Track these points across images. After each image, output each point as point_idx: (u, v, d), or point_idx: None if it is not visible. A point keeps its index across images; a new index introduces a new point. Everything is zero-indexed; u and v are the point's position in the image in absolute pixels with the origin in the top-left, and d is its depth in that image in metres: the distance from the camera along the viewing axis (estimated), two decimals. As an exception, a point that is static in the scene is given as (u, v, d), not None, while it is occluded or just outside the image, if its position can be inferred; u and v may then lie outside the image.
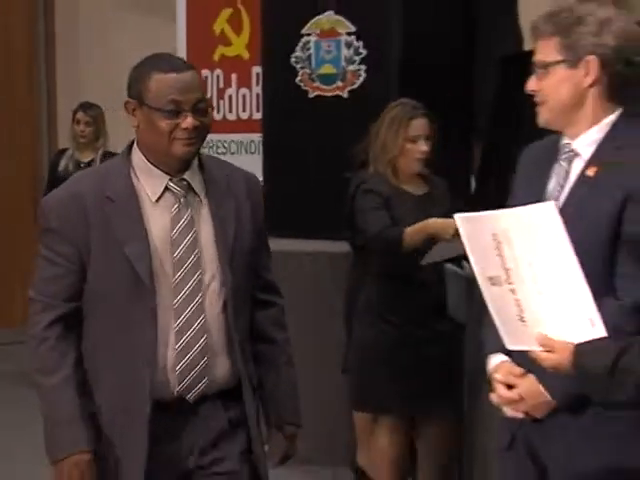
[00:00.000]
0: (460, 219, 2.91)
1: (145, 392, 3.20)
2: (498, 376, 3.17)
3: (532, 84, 3.20)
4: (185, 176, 3.25)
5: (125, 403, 3.24)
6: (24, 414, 6.16)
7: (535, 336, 2.86)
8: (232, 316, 3.29)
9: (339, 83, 6.70)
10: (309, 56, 6.79)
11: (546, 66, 3.14)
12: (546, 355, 2.85)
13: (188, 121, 3.13)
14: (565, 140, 3.22)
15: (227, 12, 8.46)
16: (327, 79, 6.74)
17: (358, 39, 6.64)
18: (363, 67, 6.62)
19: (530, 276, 2.81)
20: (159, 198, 3.24)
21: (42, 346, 3.21)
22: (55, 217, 3.21)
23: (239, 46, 8.27)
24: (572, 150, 3.19)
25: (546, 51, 3.14)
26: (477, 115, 6.36)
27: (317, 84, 6.78)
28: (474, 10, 6.61)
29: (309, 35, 6.81)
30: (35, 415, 3.34)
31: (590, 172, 3.10)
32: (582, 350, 2.78)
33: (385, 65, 6.59)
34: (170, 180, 3.23)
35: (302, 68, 6.82)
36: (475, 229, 2.89)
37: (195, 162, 3.29)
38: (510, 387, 3.15)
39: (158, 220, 3.22)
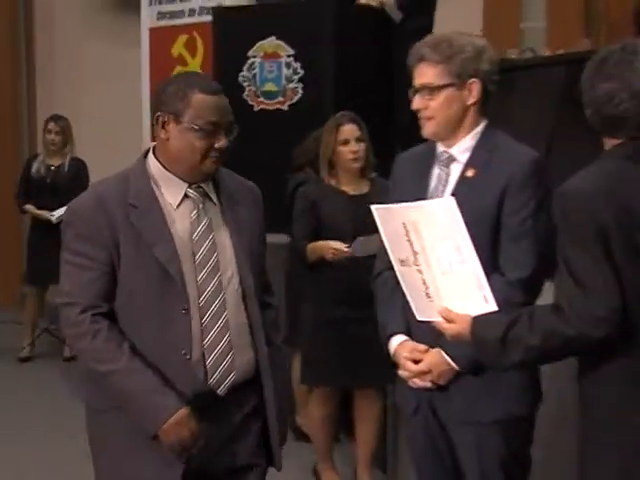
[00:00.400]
0: (376, 210, 3.00)
1: (180, 388, 3.05)
2: (405, 354, 3.31)
3: (419, 103, 3.28)
4: (201, 184, 3.16)
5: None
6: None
7: (438, 309, 2.96)
8: (251, 314, 3.21)
9: (280, 98, 6.72)
10: (254, 75, 6.79)
11: (436, 89, 3.22)
12: (448, 325, 2.94)
13: (222, 142, 3.06)
14: (441, 148, 3.30)
15: (183, 38, 8.58)
16: (270, 95, 6.76)
17: (296, 60, 6.66)
18: (301, 85, 6.66)
19: (433, 259, 2.89)
20: (179, 204, 3.11)
21: (97, 339, 3.01)
22: (84, 223, 3.05)
23: (194, 66, 8.33)
24: (450, 156, 3.28)
25: (434, 76, 3.22)
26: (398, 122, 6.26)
27: (261, 99, 6.81)
28: (394, 36, 6.70)
29: (254, 57, 6.81)
30: None
31: (469, 173, 3.23)
32: (478, 321, 2.86)
33: (319, 83, 6.62)
34: (189, 187, 3.12)
35: (248, 86, 6.84)
36: (388, 219, 2.97)
37: None
38: (417, 362, 3.28)
39: (179, 224, 3.10)
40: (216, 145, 3.05)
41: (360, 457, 5.48)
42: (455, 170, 3.28)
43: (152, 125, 3.19)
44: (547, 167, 3.33)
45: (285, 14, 6.92)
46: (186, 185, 3.12)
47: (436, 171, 3.32)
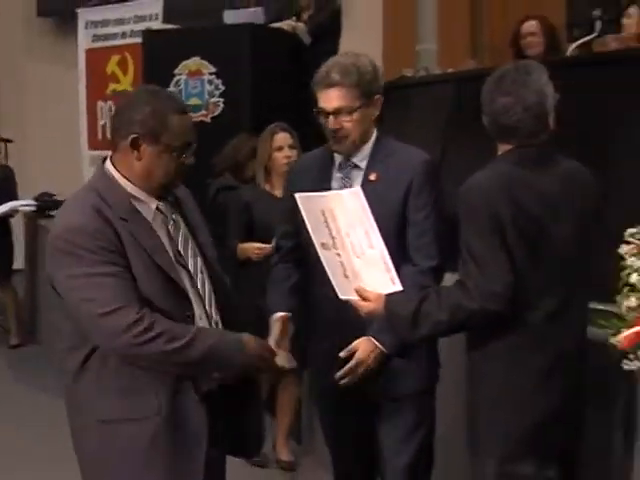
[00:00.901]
0: (299, 198, 2.99)
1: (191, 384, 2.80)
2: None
3: (335, 124, 3.16)
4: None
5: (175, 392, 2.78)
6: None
7: (354, 288, 2.97)
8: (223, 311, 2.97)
9: (203, 112, 6.70)
10: (180, 91, 6.74)
11: (352, 110, 3.14)
12: (363, 303, 2.95)
13: (191, 159, 2.80)
14: (340, 156, 3.24)
15: (116, 58, 8.51)
16: (194, 109, 6.63)
17: (218, 78, 6.68)
18: (222, 99, 6.67)
19: (348, 243, 2.91)
20: (153, 218, 2.81)
21: (161, 324, 2.66)
22: (93, 236, 2.64)
23: (126, 83, 8.25)
24: (352, 164, 3.23)
25: (349, 99, 3.14)
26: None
27: None
28: (306, 57, 6.76)
29: (180, 75, 6.80)
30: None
31: (372, 177, 3.18)
32: (391, 299, 2.91)
33: (238, 97, 6.65)
34: (158, 201, 2.83)
35: None
36: (310, 206, 2.96)
37: None
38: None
39: (162, 237, 2.81)
40: (187, 162, 2.79)
41: (278, 431, 5.46)
42: (357, 175, 3.24)
43: (114, 142, 2.81)
44: (438, 168, 3.39)
45: (207, 36, 6.97)
46: (155, 201, 2.82)
47: (337, 176, 3.27)
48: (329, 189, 3.20)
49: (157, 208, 2.82)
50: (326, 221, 2.91)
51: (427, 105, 5.93)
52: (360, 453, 3.53)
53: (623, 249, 2.95)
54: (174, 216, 2.89)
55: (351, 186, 3.18)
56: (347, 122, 3.16)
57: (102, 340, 2.68)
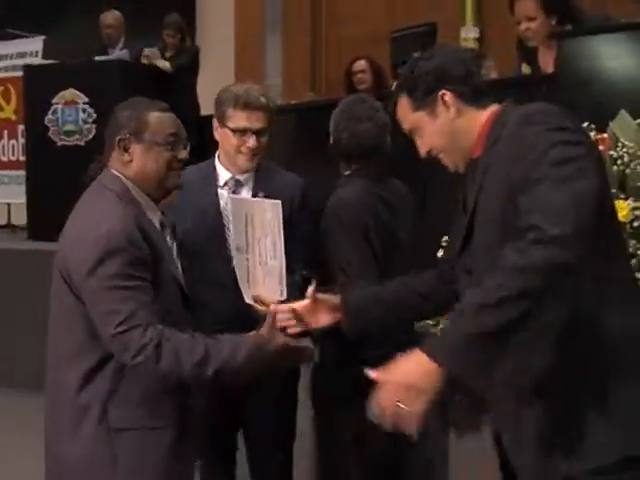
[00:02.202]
0: (230, 199, 2.85)
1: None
2: None
3: (257, 142, 2.95)
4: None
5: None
6: None
7: (252, 294, 2.75)
8: None
9: (78, 136, 6.69)
10: (57, 118, 6.74)
11: (268, 131, 2.97)
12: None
13: (184, 154, 2.50)
14: (228, 174, 3.03)
15: (0, 89, 8.25)
16: (69, 134, 6.72)
17: (91, 107, 6.67)
18: (94, 125, 6.63)
19: (257, 250, 2.72)
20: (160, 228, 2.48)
21: (171, 342, 2.24)
22: (135, 247, 2.27)
23: (9, 111, 7.97)
24: (238, 180, 3.04)
25: (268, 120, 2.96)
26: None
27: (63, 137, 6.75)
28: (168, 88, 6.72)
29: (57, 104, 6.75)
30: None
31: (261, 195, 2.93)
32: None
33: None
34: (161, 213, 2.51)
35: (53, 126, 6.77)
36: (238, 209, 2.77)
37: None
38: None
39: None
40: (179, 157, 2.47)
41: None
42: (245, 193, 3.04)
43: (108, 155, 2.53)
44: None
45: (81, 70, 6.95)
46: (159, 212, 2.49)
47: (222, 192, 3.04)
48: (218, 205, 3.02)
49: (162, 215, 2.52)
50: (246, 225, 2.74)
51: (273, 132, 5.94)
52: None
53: (440, 253, 3.00)
54: (169, 229, 2.59)
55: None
56: (263, 141, 3.00)
57: (117, 355, 2.29)
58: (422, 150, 2.11)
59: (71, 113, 6.73)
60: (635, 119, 3.12)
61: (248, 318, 2.68)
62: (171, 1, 8.15)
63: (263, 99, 2.96)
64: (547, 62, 4.34)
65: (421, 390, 1.72)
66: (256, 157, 3.00)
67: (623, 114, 3.15)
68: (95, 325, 2.29)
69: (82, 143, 6.69)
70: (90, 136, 6.68)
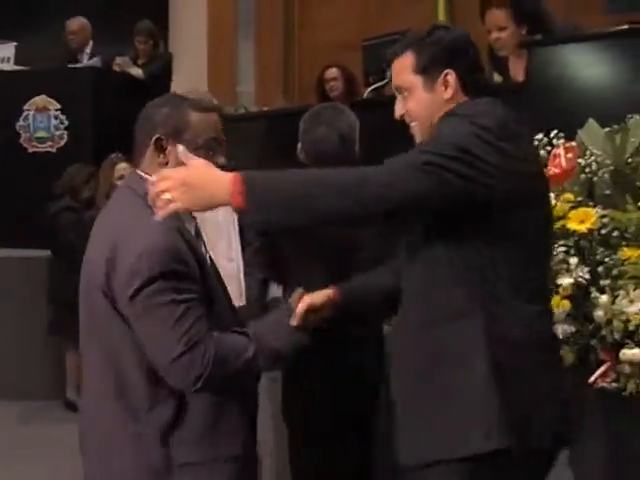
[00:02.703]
0: None
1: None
2: None
3: None
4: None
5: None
6: None
7: None
8: None
9: (50, 143, 6.70)
10: (29, 125, 6.75)
11: None
12: None
13: (222, 160, 2.22)
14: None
15: None
16: (41, 140, 6.72)
17: (62, 113, 6.68)
18: (66, 132, 6.66)
19: (213, 255, 2.46)
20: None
21: (221, 345, 2.05)
22: (183, 261, 2.04)
23: (-21, 117, 8.00)
24: None
25: None
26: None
27: (35, 143, 6.75)
28: (141, 94, 6.71)
29: (29, 110, 6.75)
30: None
31: None
32: None
33: (80, 131, 6.66)
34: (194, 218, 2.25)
35: (24, 133, 6.76)
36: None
37: None
38: None
39: None
40: (218, 162, 2.16)
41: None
42: None
43: (139, 152, 2.23)
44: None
45: (53, 77, 6.97)
46: (194, 219, 2.23)
47: None
48: None
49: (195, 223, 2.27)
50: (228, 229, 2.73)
51: (245, 137, 5.96)
52: None
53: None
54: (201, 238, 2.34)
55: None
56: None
57: (177, 381, 2.05)
58: (398, 110, 2.13)
59: (43, 120, 6.74)
60: (603, 128, 3.16)
61: None
62: (143, 7, 8.14)
63: (216, 102, 3.05)
64: (517, 71, 4.39)
65: (197, 191, 1.80)
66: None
67: (591, 123, 3.19)
68: (146, 353, 2.04)
69: (54, 150, 6.70)
70: (62, 143, 6.69)
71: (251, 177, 1.81)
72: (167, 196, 1.80)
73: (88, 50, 7.31)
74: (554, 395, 2.01)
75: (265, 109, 7.02)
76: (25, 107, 6.78)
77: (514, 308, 1.95)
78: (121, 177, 4.93)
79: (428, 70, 2.07)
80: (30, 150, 6.78)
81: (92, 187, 5.63)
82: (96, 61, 7.05)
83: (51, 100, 6.74)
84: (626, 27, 3.92)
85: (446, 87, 2.06)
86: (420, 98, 2.09)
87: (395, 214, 1.85)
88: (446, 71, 2.06)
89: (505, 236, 1.95)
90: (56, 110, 6.71)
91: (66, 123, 6.67)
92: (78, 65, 7.13)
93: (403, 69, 2.10)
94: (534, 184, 2.02)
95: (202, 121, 2.20)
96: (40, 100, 6.76)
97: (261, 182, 1.82)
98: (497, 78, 4.68)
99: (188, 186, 1.81)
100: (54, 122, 6.70)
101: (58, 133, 6.69)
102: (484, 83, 2.14)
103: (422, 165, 1.83)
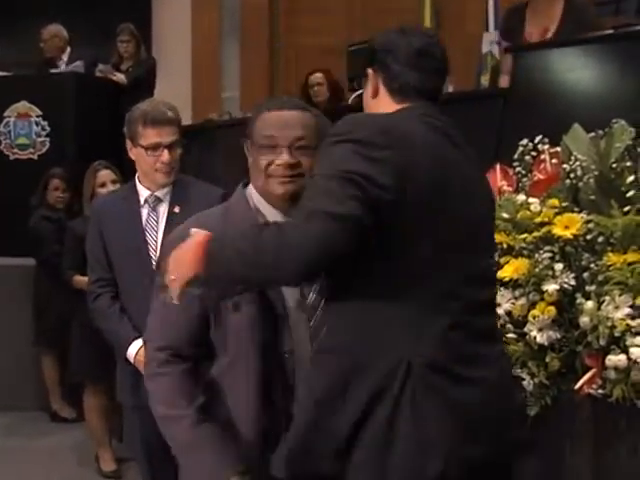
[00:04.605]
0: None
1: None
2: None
3: (170, 157, 3.02)
4: None
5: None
6: None
7: None
8: None
9: (31, 150, 6.68)
10: (9, 131, 6.72)
11: (180, 144, 3.04)
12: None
13: (284, 159, 2.08)
14: (147, 192, 3.09)
15: None
16: (22, 147, 6.70)
17: (44, 120, 6.66)
18: (48, 139, 6.64)
19: None
20: None
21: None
22: None
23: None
24: (157, 197, 3.09)
25: (178, 134, 3.04)
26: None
27: (16, 150, 6.73)
28: (123, 100, 6.60)
29: (9, 117, 6.73)
30: None
31: (176, 209, 3.05)
32: None
33: (63, 138, 6.65)
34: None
35: (5, 140, 6.74)
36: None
37: None
38: None
39: None
40: (277, 162, 2.08)
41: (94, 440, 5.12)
42: (162, 209, 3.12)
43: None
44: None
45: (34, 83, 6.95)
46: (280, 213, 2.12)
47: (144, 211, 3.12)
48: (139, 224, 3.10)
49: None
50: None
51: (230, 144, 5.94)
52: None
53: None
54: None
55: (157, 219, 3.10)
56: (176, 155, 3.06)
57: None
58: None
59: (24, 126, 6.72)
60: (588, 133, 3.18)
61: None
62: (126, 12, 8.12)
63: (170, 113, 3.03)
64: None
65: (184, 266, 1.84)
66: (173, 171, 3.06)
67: (576, 128, 3.21)
68: None
69: (35, 157, 6.69)
70: (44, 150, 6.67)
71: (212, 241, 1.84)
72: (171, 277, 1.87)
73: (65, 57, 7.29)
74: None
75: (250, 115, 7.03)
76: (6, 114, 6.75)
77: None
78: (103, 184, 4.86)
79: (364, 71, 2.13)
80: (11, 157, 6.76)
81: (66, 194, 5.68)
82: (78, 66, 7.03)
83: (32, 106, 6.71)
84: (611, 32, 3.95)
85: (369, 85, 2.11)
86: (364, 98, 2.18)
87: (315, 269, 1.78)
88: (369, 69, 2.11)
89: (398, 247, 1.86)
90: (37, 116, 6.69)
91: (48, 130, 6.66)
92: (60, 70, 7.11)
93: None
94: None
95: (265, 119, 2.17)
96: (21, 106, 6.74)
97: (216, 246, 1.83)
98: (484, 82, 4.71)
99: (176, 263, 1.86)
100: (35, 129, 6.69)
101: (40, 140, 6.67)
102: (419, 81, 2.04)
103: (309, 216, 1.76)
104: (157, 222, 3.11)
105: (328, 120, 2.23)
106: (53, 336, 5.59)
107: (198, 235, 1.85)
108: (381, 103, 2.08)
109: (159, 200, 3.11)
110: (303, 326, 2.07)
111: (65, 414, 5.81)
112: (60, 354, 5.55)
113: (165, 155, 3.02)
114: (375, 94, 2.09)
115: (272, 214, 2.11)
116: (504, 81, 4.49)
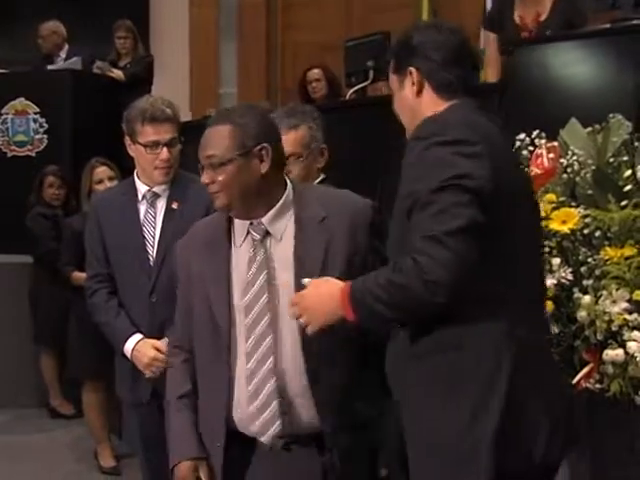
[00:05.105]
0: None
1: (221, 424, 2.31)
2: (163, 352, 2.88)
3: (168, 155, 3.03)
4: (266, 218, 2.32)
5: (207, 428, 2.36)
6: None
7: None
8: (312, 360, 2.24)
9: (29, 147, 6.66)
10: (7, 128, 6.70)
11: (177, 142, 3.04)
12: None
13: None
14: (145, 187, 3.10)
15: None
16: (20, 144, 6.68)
17: (42, 117, 6.64)
18: (46, 136, 6.63)
19: None
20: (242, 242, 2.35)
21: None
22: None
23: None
24: (154, 193, 3.09)
25: (176, 131, 3.04)
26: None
27: (13, 147, 6.71)
28: (121, 97, 6.52)
29: (7, 114, 6.71)
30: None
31: (174, 205, 3.06)
32: None
33: (60, 135, 6.63)
34: (250, 225, 2.33)
35: (2, 137, 6.72)
36: None
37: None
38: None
39: (239, 262, 2.33)
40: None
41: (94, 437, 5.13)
42: (160, 204, 3.12)
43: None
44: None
45: (32, 80, 6.93)
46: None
47: (142, 207, 3.12)
48: (137, 220, 3.11)
49: (247, 231, 2.39)
50: None
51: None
52: None
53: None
54: (258, 242, 2.38)
55: (155, 214, 3.11)
56: (175, 152, 3.07)
57: None
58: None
59: (22, 123, 6.71)
60: (585, 127, 3.18)
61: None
62: (124, 9, 8.11)
63: (169, 111, 3.03)
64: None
65: (322, 315, 2.00)
66: (171, 169, 3.07)
67: (573, 122, 3.21)
68: None
69: (33, 154, 6.67)
70: (42, 147, 6.66)
71: (356, 287, 1.93)
72: (301, 321, 2.06)
73: (63, 54, 7.28)
74: (561, 398, 2.03)
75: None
76: (3, 111, 6.75)
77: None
78: (100, 181, 4.85)
79: (399, 69, 2.13)
80: (9, 154, 6.75)
81: (61, 191, 5.69)
82: (75, 62, 7.00)
83: (29, 103, 6.70)
84: (608, 26, 3.95)
85: (412, 83, 2.09)
86: (397, 96, 2.16)
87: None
88: (410, 68, 2.09)
89: (498, 235, 1.91)
90: (35, 113, 6.68)
91: (45, 126, 6.64)
92: (57, 67, 7.09)
93: (390, 72, 2.18)
94: (514, 179, 2.01)
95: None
96: (19, 103, 6.73)
97: (360, 288, 1.92)
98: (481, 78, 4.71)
99: (308, 309, 2.03)
100: (33, 126, 6.68)
101: (37, 137, 6.66)
102: (459, 79, 2.08)
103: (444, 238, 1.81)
104: (155, 218, 3.11)
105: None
106: (52, 333, 5.60)
107: (334, 284, 1.99)
108: (427, 101, 2.08)
109: (157, 196, 3.12)
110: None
111: (64, 411, 5.83)
112: (59, 351, 5.56)
113: (164, 153, 3.03)
114: (419, 92, 2.09)
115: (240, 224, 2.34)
116: (490, 74, 4.51)
